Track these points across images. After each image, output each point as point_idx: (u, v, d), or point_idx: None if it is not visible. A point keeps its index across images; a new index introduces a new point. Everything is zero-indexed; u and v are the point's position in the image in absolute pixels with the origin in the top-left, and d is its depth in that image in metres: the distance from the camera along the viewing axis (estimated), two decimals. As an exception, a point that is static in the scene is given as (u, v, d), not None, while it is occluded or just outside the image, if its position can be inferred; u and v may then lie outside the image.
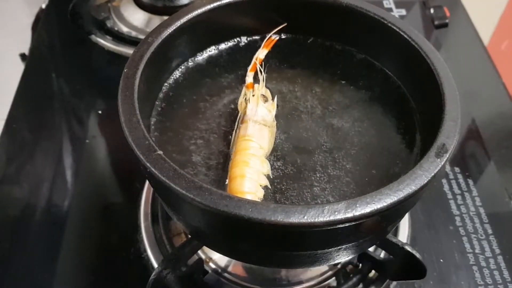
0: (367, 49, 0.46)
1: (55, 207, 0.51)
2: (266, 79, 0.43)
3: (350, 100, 0.44)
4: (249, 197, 0.34)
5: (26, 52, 0.71)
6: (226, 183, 0.37)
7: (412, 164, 0.38)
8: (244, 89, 0.43)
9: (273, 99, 0.42)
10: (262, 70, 0.43)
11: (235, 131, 0.40)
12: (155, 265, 0.47)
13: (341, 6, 0.44)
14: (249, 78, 0.43)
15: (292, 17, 0.46)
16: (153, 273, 0.40)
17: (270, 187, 0.37)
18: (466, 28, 0.75)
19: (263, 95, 0.42)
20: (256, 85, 0.42)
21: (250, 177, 0.36)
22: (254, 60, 0.45)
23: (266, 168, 0.37)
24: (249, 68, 0.44)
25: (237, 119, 0.40)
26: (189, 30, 0.43)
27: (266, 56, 0.46)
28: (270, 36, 0.46)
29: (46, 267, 0.47)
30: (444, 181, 0.55)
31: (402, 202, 0.31)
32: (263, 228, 0.30)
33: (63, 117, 0.61)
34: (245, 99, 0.41)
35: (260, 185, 0.36)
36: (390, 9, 0.76)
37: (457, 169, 0.56)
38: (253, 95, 0.41)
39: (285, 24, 0.46)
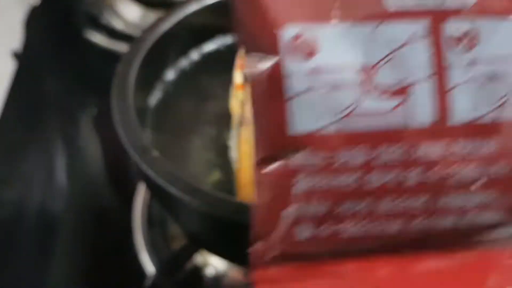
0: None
1: (47, 209, 0.50)
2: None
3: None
4: None
5: (18, 50, 0.70)
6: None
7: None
8: (233, 91, 0.41)
9: None
10: None
11: (234, 135, 0.39)
12: (151, 270, 0.46)
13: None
14: (237, 79, 0.42)
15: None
16: (149, 279, 0.40)
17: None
18: (467, 25, 0.75)
19: None
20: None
21: None
22: (237, 60, 0.43)
23: None
24: (235, 68, 0.43)
25: (233, 122, 0.39)
26: (186, 27, 0.42)
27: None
28: None
29: (38, 271, 0.46)
30: (447, 181, 0.54)
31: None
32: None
33: (56, 116, 0.60)
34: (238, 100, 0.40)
35: None
36: (390, 6, 0.75)
37: (459, 169, 0.56)
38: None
39: None
